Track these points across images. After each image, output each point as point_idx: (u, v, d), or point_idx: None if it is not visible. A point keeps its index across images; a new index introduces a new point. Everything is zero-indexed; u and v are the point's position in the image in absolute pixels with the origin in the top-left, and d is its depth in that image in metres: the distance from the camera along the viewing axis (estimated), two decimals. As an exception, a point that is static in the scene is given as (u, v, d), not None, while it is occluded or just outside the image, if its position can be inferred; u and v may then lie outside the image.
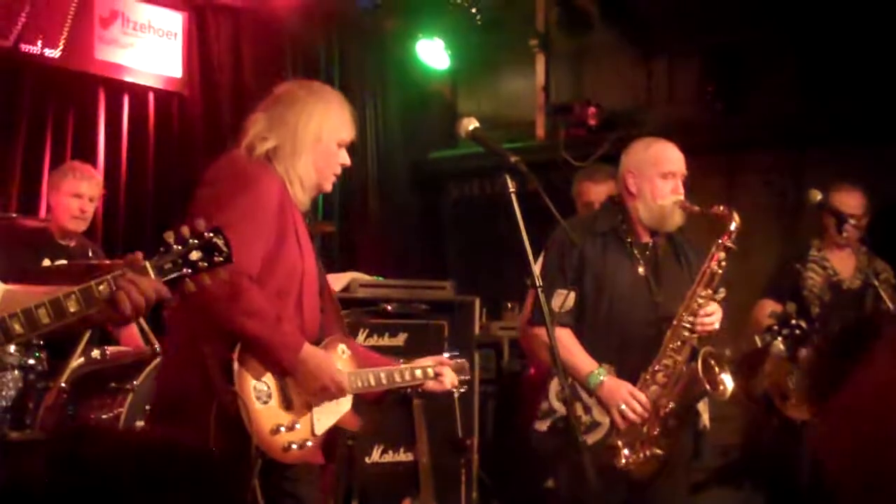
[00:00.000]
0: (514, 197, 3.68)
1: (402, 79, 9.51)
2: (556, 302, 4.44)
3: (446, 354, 4.22)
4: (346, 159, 3.84)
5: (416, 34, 9.09)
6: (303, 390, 3.61)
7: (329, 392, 3.65)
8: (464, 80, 9.74)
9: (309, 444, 3.60)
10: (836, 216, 5.84)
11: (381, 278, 6.74)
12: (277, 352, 3.51)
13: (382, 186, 9.33)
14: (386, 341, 6.26)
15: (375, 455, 6.18)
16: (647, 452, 4.42)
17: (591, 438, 4.42)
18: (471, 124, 3.82)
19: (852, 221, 5.83)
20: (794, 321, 5.43)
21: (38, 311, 2.69)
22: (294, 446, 3.54)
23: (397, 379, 3.97)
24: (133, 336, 6.12)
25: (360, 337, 6.21)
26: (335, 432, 3.80)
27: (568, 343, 4.44)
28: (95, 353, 5.53)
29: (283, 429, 3.52)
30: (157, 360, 5.24)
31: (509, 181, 3.70)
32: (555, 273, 4.49)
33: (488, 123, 3.97)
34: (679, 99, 8.59)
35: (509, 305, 7.59)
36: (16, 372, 5.06)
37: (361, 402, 3.93)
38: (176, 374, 3.63)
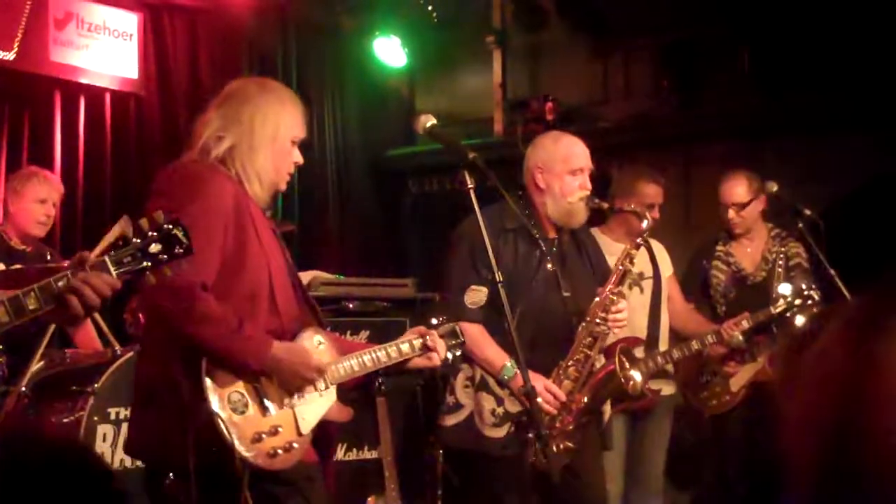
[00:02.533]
0: (472, 193, 3.70)
1: (359, 77, 9.51)
2: (468, 298, 4.45)
3: (434, 321, 4.10)
4: (299, 158, 3.77)
5: (373, 32, 9.10)
6: (283, 389, 3.53)
7: (311, 382, 3.58)
8: (421, 78, 9.76)
9: (296, 445, 3.50)
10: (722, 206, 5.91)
11: (341, 276, 6.75)
12: (243, 357, 3.40)
13: (342, 184, 9.33)
14: (348, 339, 6.26)
15: (340, 453, 6.18)
16: (560, 446, 4.45)
17: (501, 432, 4.45)
18: (428, 121, 3.84)
19: (733, 210, 5.87)
20: (806, 291, 5.50)
21: None
22: (280, 451, 3.44)
23: (383, 360, 3.85)
24: (90, 338, 6.10)
25: (322, 335, 6.22)
26: (326, 427, 3.72)
27: (479, 338, 4.46)
28: (56, 355, 5.52)
29: (264, 436, 3.41)
30: (118, 361, 5.23)
31: (467, 177, 3.72)
32: (467, 269, 4.49)
33: (446, 120, 3.99)
34: (635, 93, 8.65)
35: (470, 301, 7.60)
36: (-26, 377, 5.03)
37: (342, 392, 3.83)
38: (151, 384, 3.51)
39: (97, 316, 5.90)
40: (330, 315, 6.30)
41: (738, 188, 5.87)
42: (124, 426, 5.04)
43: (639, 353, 5.22)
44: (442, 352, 3.98)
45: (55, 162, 7.51)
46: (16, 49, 7.24)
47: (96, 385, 5.17)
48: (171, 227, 2.86)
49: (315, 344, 3.70)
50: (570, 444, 4.46)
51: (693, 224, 7.80)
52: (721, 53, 8.05)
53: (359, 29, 9.20)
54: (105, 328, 5.86)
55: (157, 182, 3.56)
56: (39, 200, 5.94)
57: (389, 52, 9.14)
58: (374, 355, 3.83)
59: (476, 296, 4.45)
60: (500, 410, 4.47)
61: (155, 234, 2.85)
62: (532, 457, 4.34)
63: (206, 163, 3.57)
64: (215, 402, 3.33)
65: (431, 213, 9.36)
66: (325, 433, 3.76)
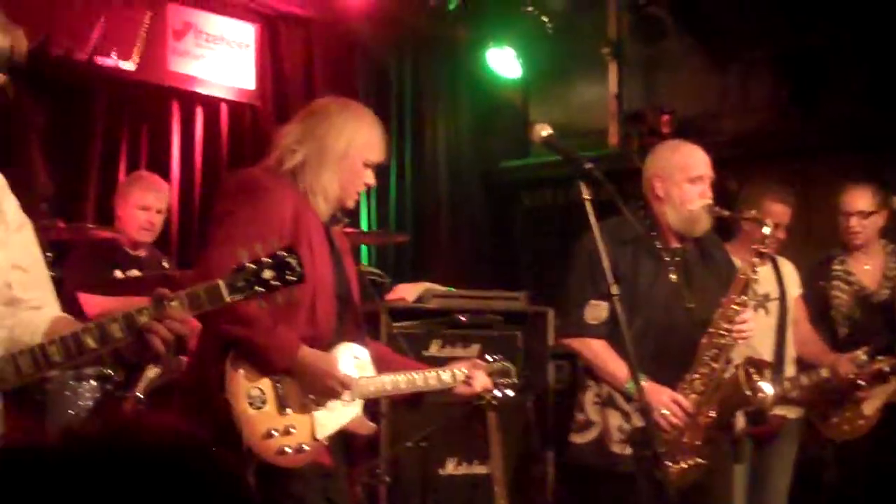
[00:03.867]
0: (588, 204, 3.63)
1: (473, 88, 9.47)
2: (588, 313, 4.38)
3: (489, 358, 4.19)
4: (371, 179, 3.86)
5: (488, 43, 9.06)
6: (305, 393, 3.64)
7: (334, 392, 3.67)
8: (535, 89, 9.69)
9: (306, 447, 3.61)
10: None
11: (453, 289, 6.71)
12: (270, 355, 3.55)
13: (454, 196, 9.29)
14: (459, 352, 6.21)
15: (450, 467, 6.14)
16: (689, 462, 4.34)
17: (629, 449, 4.37)
18: (543, 130, 3.79)
19: (856, 218, 5.68)
20: None
21: (85, 336, 2.75)
22: (288, 450, 3.57)
23: (419, 384, 3.94)
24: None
25: (434, 347, 6.19)
26: (349, 438, 3.84)
27: (602, 353, 4.40)
28: (171, 363, 5.56)
29: (276, 433, 3.55)
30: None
31: (584, 188, 3.65)
32: (586, 282, 4.43)
33: (560, 132, 3.90)
34: (753, 105, 8.48)
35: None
36: (93, 382, 5.09)
37: (407, 406, 4.03)
38: (189, 375, 3.87)
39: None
40: (441, 327, 6.29)
41: (862, 197, 5.70)
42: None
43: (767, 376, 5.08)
44: (480, 385, 4.05)
45: (172, 172, 7.60)
46: (135, 59, 7.36)
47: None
48: (285, 254, 2.90)
49: (350, 357, 3.81)
50: (699, 460, 4.36)
51: (813, 241, 7.58)
52: (841, 65, 7.86)
53: (473, 40, 9.17)
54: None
55: (221, 188, 3.80)
56: (142, 207, 5.97)
57: (504, 63, 9.08)
58: (410, 378, 3.92)
59: (596, 310, 4.38)
60: (627, 427, 4.39)
61: (269, 260, 2.88)
62: (658, 474, 4.26)
63: (273, 172, 3.73)
64: (234, 393, 3.49)
65: (544, 226, 9.28)
66: (348, 443, 3.88)
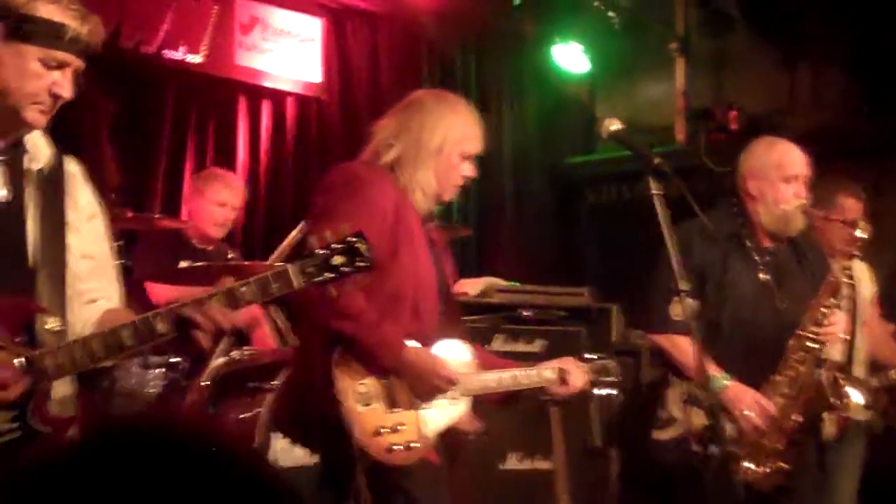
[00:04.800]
0: (657, 199, 3.60)
1: (539, 83, 9.43)
2: (675, 309, 4.33)
3: (587, 356, 4.15)
4: (469, 171, 3.82)
5: (554, 38, 9.01)
6: (411, 391, 3.60)
7: (439, 390, 3.64)
8: (601, 85, 9.63)
9: (415, 445, 3.58)
10: None
11: (517, 284, 6.68)
12: (376, 352, 3.52)
13: (519, 191, 9.26)
14: (522, 347, 6.18)
15: (512, 461, 6.11)
16: (772, 466, 4.29)
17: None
18: (612, 125, 3.76)
19: None
20: None
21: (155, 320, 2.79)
22: (397, 447, 3.53)
23: (522, 381, 3.90)
24: (265, 337, 6.18)
25: (496, 342, 6.15)
26: (454, 435, 3.78)
27: (687, 350, 4.33)
28: (236, 353, 5.60)
29: (385, 430, 3.52)
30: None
31: (653, 183, 3.61)
32: (671, 280, 4.38)
33: (626, 128, 3.87)
34: (824, 102, 8.36)
35: (648, 312, 7.45)
36: (159, 370, 5.14)
37: (489, 405, 3.92)
38: (292, 375, 3.83)
39: (275, 315, 5.97)
40: (505, 322, 6.26)
41: None
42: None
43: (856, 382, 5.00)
44: (578, 384, 3.97)
45: (238, 164, 7.65)
46: (203, 52, 7.41)
47: (274, 382, 5.21)
48: (354, 240, 2.89)
49: (452, 354, 3.77)
50: (782, 465, 4.30)
51: (884, 240, 7.46)
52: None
53: (539, 35, 9.13)
54: (282, 327, 5.92)
55: (324, 180, 3.72)
56: (219, 203, 6.05)
57: (570, 58, 9.03)
58: (513, 375, 3.88)
59: (681, 307, 4.35)
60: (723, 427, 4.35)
61: (339, 246, 2.88)
62: (743, 474, 4.22)
63: (375, 166, 3.70)
64: (342, 390, 3.46)
65: (609, 222, 9.23)
66: (453, 440, 3.81)
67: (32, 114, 2.86)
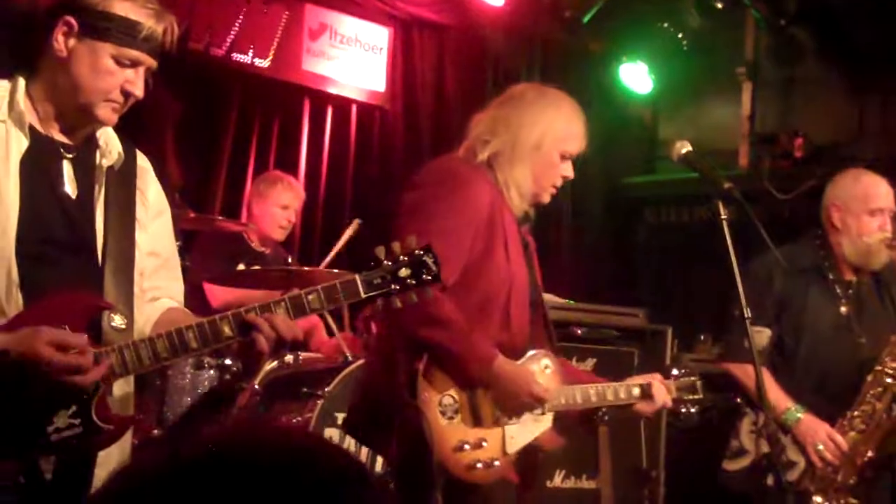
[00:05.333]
0: (724, 224, 3.56)
1: (602, 101, 9.37)
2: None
3: (675, 371, 3.98)
4: (568, 172, 3.66)
5: (620, 57, 8.97)
6: (497, 405, 3.43)
7: (528, 408, 3.47)
8: (666, 106, 9.57)
9: (497, 463, 3.40)
10: None
11: (572, 302, 6.65)
12: (466, 363, 3.34)
13: (577, 209, 9.21)
14: (574, 365, 6.15)
15: (557, 479, 6.07)
16: (842, 501, 4.23)
17: (785, 478, 4.26)
18: (683, 148, 3.72)
19: None
20: None
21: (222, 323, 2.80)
22: (479, 465, 3.36)
23: (609, 397, 3.71)
24: (322, 344, 6.20)
25: (548, 359, 6.12)
26: (533, 453, 3.59)
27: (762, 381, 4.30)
28: (289, 357, 5.62)
29: (467, 446, 3.35)
30: (350, 367, 5.27)
31: (721, 208, 3.57)
32: (751, 309, 4.34)
33: (696, 150, 3.82)
34: (892, 132, 8.25)
35: (702, 337, 7.39)
36: (212, 371, 5.17)
37: (568, 421, 3.73)
38: (371, 381, 3.57)
39: (331, 322, 5.99)
40: (557, 340, 6.22)
41: None
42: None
43: None
44: (661, 401, 3.79)
45: (300, 168, 7.69)
46: (271, 57, 7.47)
47: (327, 389, 5.21)
48: (422, 253, 2.88)
49: (542, 367, 3.59)
50: (852, 501, 4.24)
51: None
52: None
53: (606, 53, 9.09)
54: (338, 334, 5.93)
55: (418, 175, 3.54)
56: (282, 206, 6.09)
57: (635, 77, 8.98)
58: (599, 390, 3.69)
59: (757, 337, 4.30)
60: (782, 458, 4.30)
61: (406, 258, 2.86)
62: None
63: (471, 163, 3.52)
64: (426, 401, 3.31)
65: (666, 244, 9.16)
66: (531, 458, 3.63)
67: (104, 111, 2.87)
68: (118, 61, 2.84)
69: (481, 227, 3.42)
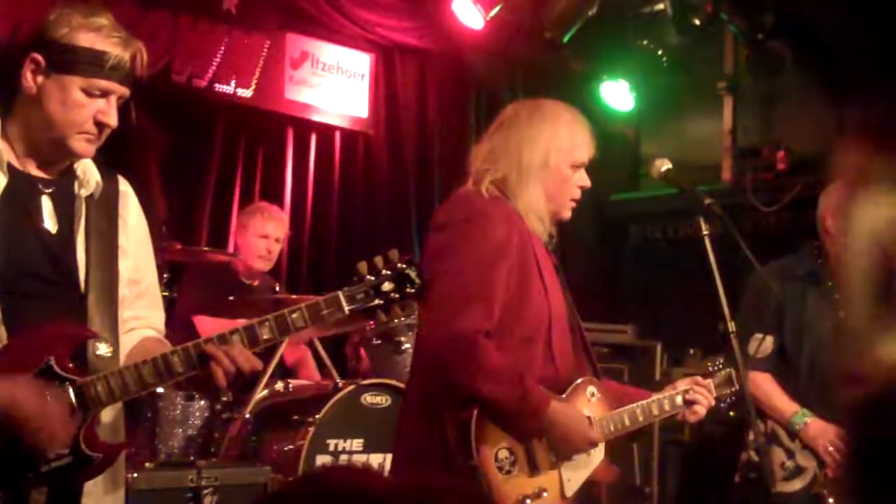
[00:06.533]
0: (707, 240, 3.58)
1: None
2: (752, 346, 4.32)
3: (711, 367, 3.81)
4: (584, 181, 3.53)
5: (601, 75, 9.00)
6: (552, 450, 3.28)
7: (583, 451, 3.32)
8: (648, 122, 9.59)
9: None
10: None
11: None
12: (522, 418, 3.17)
13: (563, 227, 9.18)
14: (615, 384, 6.15)
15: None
16: None
17: (794, 485, 4.28)
18: (663, 165, 3.75)
19: None
20: None
21: (233, 337, 2.83)
22: None
23: (654, 412, 3.57)
24: (311, 370, 6.21)
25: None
26: (590, 488, 3.43)
27: (766, 387, 4.34)
28: (279, 385, 5.62)
29: (529, 500, 3.19)
30: (339, 394, 5.28)
31: (703, 224, 3.59)
32: (750, 316, 4.38)
33: (676, 168, 3.84)
34: (873, 143, 8.29)
35: (692, 351, 7.41)
36: (203, 402, 5.16)
37: (626, 439, 3.63)
38: (415, 438, 3.32)
39: (319, 349, 5.99)
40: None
41: None
42: (342, 457, 5.14)
43: None
44: (706, 404, 3.65)
45: (285, 196, 7.71)
46: (253, 87, 7.49)
47: (317, 416, 5.22)
48: (404, 266, 2.88)
49: (588, 395, 3.45)
50: None
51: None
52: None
53: (587, 72, 9.12)
54: (327, 361, 5.93)
55: (439, 215, 3.39)
56: (262, 236, 6.08)
57: (617, 96, 9.02)
58: (645, 408, 3.56)
59: (763, 344, 4.34)
60: (790, 464, 4.33)
61: (389, 272, 2.87)
62: None
63: (491, 195, 3.35)
64: (484, 460, 3.13)
65: (653, 260, 9.17)
66: (594, 494, 3.50)
67: (79, 144, 2.88)
68: (88, 93, 2.85)
69: (515, 261, 3.27)
